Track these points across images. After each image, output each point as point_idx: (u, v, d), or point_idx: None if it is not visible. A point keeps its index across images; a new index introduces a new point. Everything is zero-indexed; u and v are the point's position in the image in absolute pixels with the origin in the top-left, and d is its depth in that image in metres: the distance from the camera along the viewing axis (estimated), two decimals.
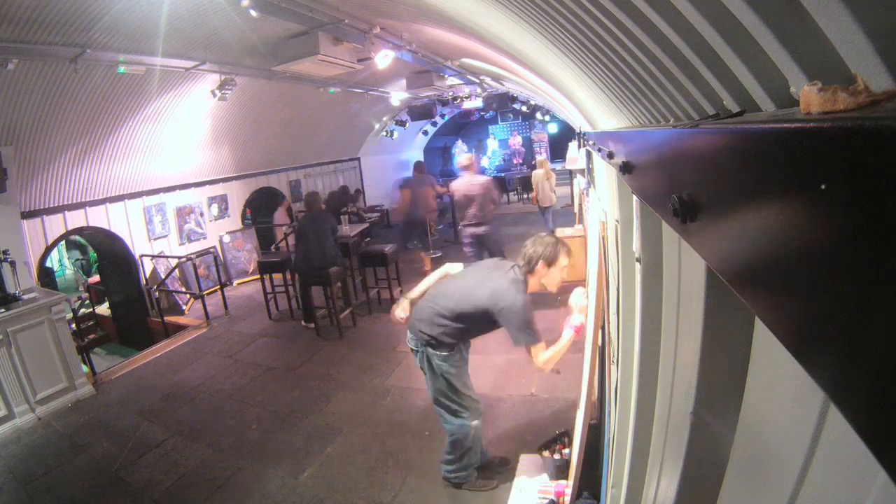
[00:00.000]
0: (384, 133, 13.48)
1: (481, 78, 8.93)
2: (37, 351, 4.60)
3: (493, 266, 2.85)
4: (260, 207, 10.52)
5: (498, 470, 3.12)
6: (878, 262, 0.21)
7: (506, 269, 2.69)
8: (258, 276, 8.61)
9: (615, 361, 2.18)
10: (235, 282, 8.71)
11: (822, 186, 0.25)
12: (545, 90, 4.98)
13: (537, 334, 2.49)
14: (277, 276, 6.84)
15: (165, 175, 7.75)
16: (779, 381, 0.62)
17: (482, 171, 16.97)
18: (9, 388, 4.39)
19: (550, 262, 2.58)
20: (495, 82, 9.23)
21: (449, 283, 2.88)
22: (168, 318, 6.99)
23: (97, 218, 6.92)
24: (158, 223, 7.80)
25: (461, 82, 9.47)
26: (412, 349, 2.84)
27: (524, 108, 13.65)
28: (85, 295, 9.40)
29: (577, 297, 2.63)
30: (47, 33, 4.03)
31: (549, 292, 2.74)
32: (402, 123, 13.13)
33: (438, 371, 2.72)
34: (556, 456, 2.97)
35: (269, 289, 6.74)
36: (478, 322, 2.65)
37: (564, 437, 3.07)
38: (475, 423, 2.83)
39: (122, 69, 4.83)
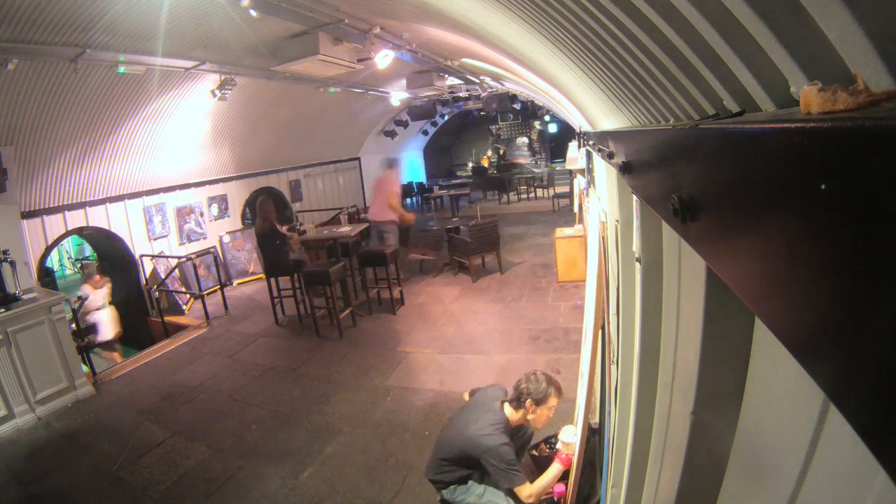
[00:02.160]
0: (384, 133, 13.49)
1: (481, 78, 8.93)
2: (37, 351, 4.60)
3: (479, 404, 2.77)
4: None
5: None
6: (878, 261, 0.21)
7: (489, 407, 2.65)
8: (258, 276, 8.65)
9: (615, 361, 2.18)
10: (235, 282, 8.71)
11: (822, 186, 0.25)
12: (545, 90, 4.98)
13: (519, 474, 2.46)
14: (285, 279, 6.64)
15: (165, 175, 7.75)
16: (779, 381, 0.62)
17: (482, 171, 17.02)
18: (9, 388, 4.39)
19: (539, 402, 2.57)
20: (495, 82, 9.22)
21: (443, 432, 2.85)
22: (168, 318, 6.98)
23: (97, 218, 6.92)
24: (158, 223, 7.80)
25: (461, 82, 9.47)
26: None
27: (524, 108, 13.64)
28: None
29: (566, 435, 2.71)
30: (47, 33, 4.03)
31: (534, 427, 2.72)
32: (402, 123, 13.14)
33: None
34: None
35: (275, 293, 6.50)
36: (471, 465, 2.60)
37: (552, 439, 3.11)
38: None
39: (122, 69, 4.83)
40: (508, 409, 2.62)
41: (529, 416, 2.59)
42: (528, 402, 2.56)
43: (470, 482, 2.63)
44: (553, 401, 2.58)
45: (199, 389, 4.88)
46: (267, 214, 6.23)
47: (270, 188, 10.27)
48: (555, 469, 2.57)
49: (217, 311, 7.13)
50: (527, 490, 2.46)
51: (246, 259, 9.07)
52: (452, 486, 2.64)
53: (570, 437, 2.70)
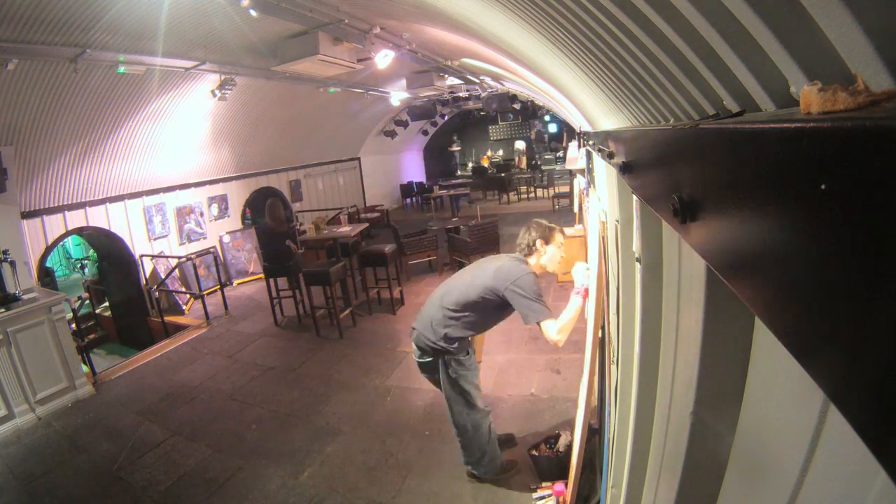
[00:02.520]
0: (384, 133, 13.49)
1: (481, 78, 8.93)
2: (37, 351, 4.60)
3: (491, 258, 2.90)
4: (260, 207, 10.52)
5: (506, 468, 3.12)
6: (878, 262, 0.21)
7: (506, 256, 2.75)
8: (258, 276, 8.65)
9: (615, 361, 2.18)
10: (235, 282, 8.71)
11: (822, 186, 0.25)
12: (545, 90, 4.97)
13: (546, 308, 2.50)
14: (284, 280, 6.61)
15: (165, 175, 7.75)
16: (779, 381, 0.62)
17: (482, 171, 17.03)
18: (9, 388, 4.39)
19: (548, 240, 2.66)
20: (495, 82, 9.23)
21: (450, 281, 2.91)
22: (168, 318, 6.99)
23: (97, 218, 6.92)
24: (158, 223, 7.80)
25: (461, 82, 9.47)
26: (419, 362, 2.85)
27: (524, 108, 13.63)
28: (85, 295, 9.40)
29: (578, 270, 2.68)
30: (47, 33, 4.03)
31: (550, 274, 2.77)
32: (402, 123, 13.14)
33: (455, 376, 2.72)
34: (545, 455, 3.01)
35: (274, 293, 6.45)
36: (487, 308, 2.67)
37: (552, 440, 3.10)
38: (489, 416, 2.89)
39: (122, 69, 4.83)
40: (528, 259, 2.71)
41: (542, 260, 2.69)
42: (538, 242, 2.66)
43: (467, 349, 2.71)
44: (559, 236, 2.70)
45: (198, 389, 4.88)
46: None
47: (270, 188, 10.27)
48: (576, 302, 2.56)
49: (217, 311, 7.13)
50: (555, 326, 2.49)
51: (246, 259, 9.07)
52: (447, 350, 2.67)
53: (582, 276, 2.66)
